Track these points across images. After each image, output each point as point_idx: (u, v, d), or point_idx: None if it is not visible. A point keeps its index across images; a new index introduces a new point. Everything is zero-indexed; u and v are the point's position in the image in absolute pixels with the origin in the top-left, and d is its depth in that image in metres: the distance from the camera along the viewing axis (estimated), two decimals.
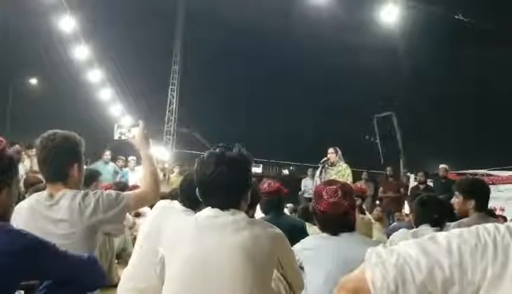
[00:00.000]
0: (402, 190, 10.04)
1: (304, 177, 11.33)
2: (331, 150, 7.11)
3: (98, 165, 9.39)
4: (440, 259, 0.93)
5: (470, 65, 17.99)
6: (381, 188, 10.20)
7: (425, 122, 20.03)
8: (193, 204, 2.68)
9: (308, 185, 10.73)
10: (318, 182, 6.47)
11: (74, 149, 2.18)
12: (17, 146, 8.22)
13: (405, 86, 18.49)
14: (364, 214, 4.57)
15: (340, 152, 7.12)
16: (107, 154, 9.92)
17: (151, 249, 2.35)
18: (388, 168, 10.73)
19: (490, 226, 0.97)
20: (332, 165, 7.05)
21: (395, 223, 7.08)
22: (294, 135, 22.27)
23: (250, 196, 1.92)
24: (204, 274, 1.71)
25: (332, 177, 6.56)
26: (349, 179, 6.68)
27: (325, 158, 7.11)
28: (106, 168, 9.51)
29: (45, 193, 2.15)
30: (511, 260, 0.91)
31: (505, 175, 10.11)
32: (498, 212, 8.60)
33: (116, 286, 2.94)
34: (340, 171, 6.95)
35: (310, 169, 11.63)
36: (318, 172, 7.24)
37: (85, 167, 2.36)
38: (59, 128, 2.20)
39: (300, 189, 10.97)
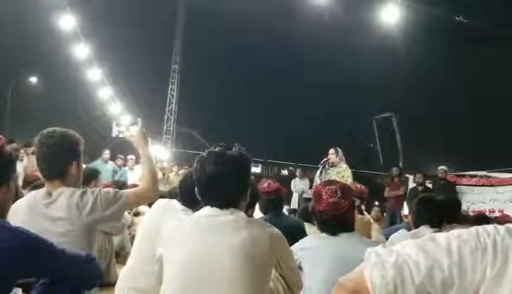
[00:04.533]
0: (402, 189, 10.04)
1: (294, 178, 11.30)
2: (331, 150, 7.06)
3: (97, 164, 9.37)
4: (439, 259, 0.93)
5: (470, 67, 17.99)
6: (387, 188, 10.19)
7: (425, 124, 20.05)
8: (192, 203, 2.68)
9: (297, 185, 10.71)
10: (318, 183, 6.44)
11: (73, 147, 2.17)
12: (14, 144, 8.22)
13: (405, 88, 18.51)
14: (363, 214, 4.56)
15: (341, 153, 7.07)
16: (106, 153, 9.88)
17: (150, 248, 2.35)
18: (394, 169, 10.71)
19: (489, 227, 0.98)
20: (333, 165, 7.01)
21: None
22: (294, 135, 22.26)
23: (249, 195, 1.93)
24: (203, 273, 1.71)
25: (332, 178, 6.53)
26: (349, 181, 6.61)
27: (325, 159, 7.06)
28: (106, 167, 9.48)
29: (43, 191, 2.14)
30: (510, 261, 0.91)
31: (504, 177, 10.11)
32: (496, 214, 8.60)
33: (114, 285, 2.93)
34: (340, 172, 6.90)
35: (298, 170, 11.63)
36: (318, 172, 7.17)
37: (84, 165, 2.35)
38: (58, 126, 2.19)
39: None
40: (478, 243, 0.94)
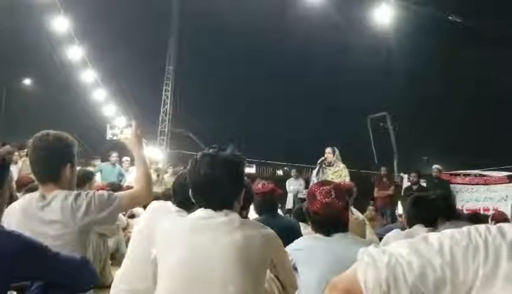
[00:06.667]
0: (391, 189, 10.04)
1: (289, 178, 11.32)
2: (328, 149, 7.05)
3: (105, 166, 9.27)
4: (431, 259, 0.93)
5: (464, 66, 18.07)
6: (376, 189, 10.22)
7: (419, 123, 20.12)
8: (187, 205, 2.68)
9: (292, 185, 10.72)
10: (315, 182, 6.43)
11: (67, 149, 2.17)
12: (8, 147, 8.14)
13: (399, 87, 18.58)
14: (352, 213, 4.55)
15: (337, 152, 7.07)
16: (114, 156, 9.53)
17: (145, 250, 2.34)
18: (383, 168, 10.75)
19: (481, 227, 0.98)
20: (330, 164, 7.01)
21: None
22: (289, 136, 22.28)
23: (244, 196, 1.93)
24: (197, 274, 1.71)
25: (329, 178, 6.53)
26: (346, 180, 6.61)
27: (322, 158, 7.05)
28: (114, 170, 9.31)
29: (37, 194, 2.13)
30: (502, 260, 0.91)
31: (498, 175, 10.13)
32: (491, 212, 8.61)
33: (109, 287, 2.93)
34: (338, 171, 6.90)
35: (293, 170, 11.68)
36: (315, 172, 7.17)
37: (78, 168, 2.35)
38: (52, 128, 2.19)
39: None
40: (470, 243, 0.94)
